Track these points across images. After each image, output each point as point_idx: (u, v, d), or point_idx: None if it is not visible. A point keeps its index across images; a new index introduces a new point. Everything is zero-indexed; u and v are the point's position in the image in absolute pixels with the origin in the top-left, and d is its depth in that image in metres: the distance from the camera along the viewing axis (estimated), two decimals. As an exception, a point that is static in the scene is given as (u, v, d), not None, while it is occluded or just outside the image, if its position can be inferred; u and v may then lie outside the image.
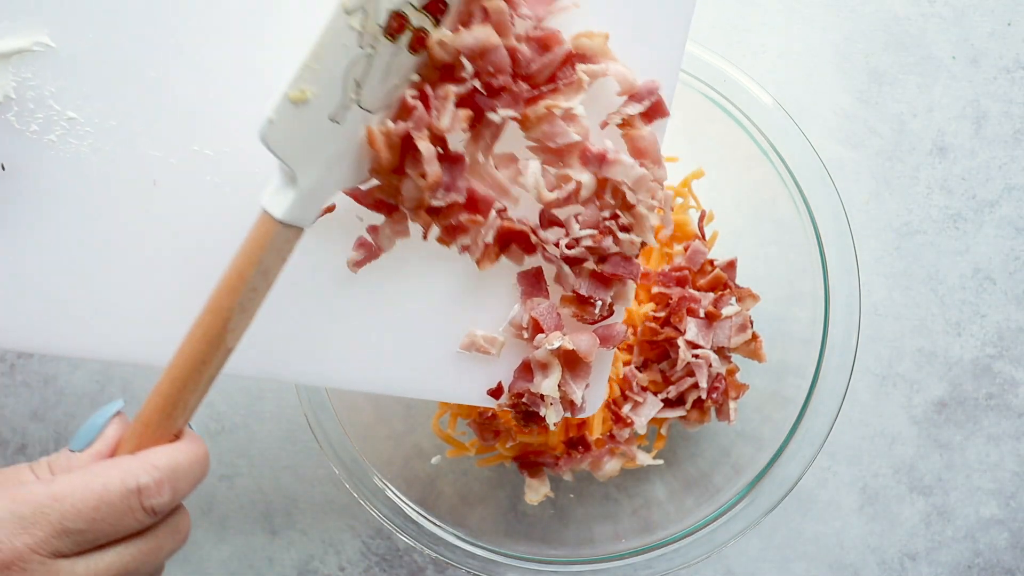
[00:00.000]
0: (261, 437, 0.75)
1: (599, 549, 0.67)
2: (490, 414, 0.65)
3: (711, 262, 0.67)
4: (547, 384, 0.55)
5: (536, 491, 0.67)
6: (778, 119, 0.65)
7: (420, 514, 0.66)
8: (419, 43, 0.49)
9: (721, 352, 0.67)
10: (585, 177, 0.52)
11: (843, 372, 0.65)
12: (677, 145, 0.69)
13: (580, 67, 0.52)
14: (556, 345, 0.54)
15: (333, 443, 0.66)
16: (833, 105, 0.75)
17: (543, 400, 0.56)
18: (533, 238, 0.54)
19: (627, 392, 0.65)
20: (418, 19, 0.49)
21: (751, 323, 0.67)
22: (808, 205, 0.65)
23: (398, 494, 0.66)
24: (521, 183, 0.53)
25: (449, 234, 0.53)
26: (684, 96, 0.66)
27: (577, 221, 0.53)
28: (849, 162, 0.74)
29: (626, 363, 0.66)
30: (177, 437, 0.50)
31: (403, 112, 0.50)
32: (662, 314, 0.66)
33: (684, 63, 0.65)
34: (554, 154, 0.52)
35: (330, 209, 0.53)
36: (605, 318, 0.55)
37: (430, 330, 0.56)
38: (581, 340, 0.55)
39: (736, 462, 0.68)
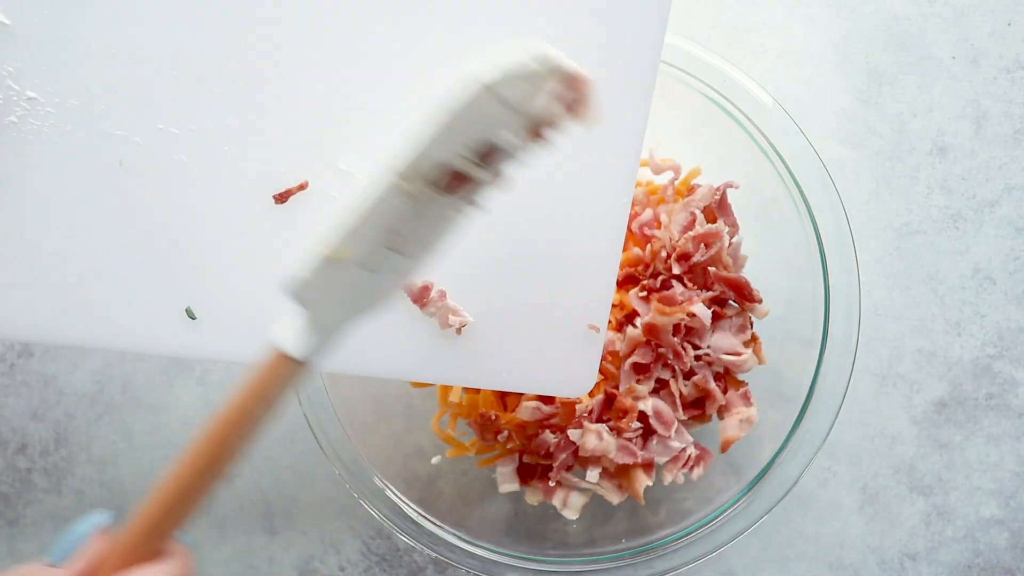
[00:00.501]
0: (261, 437, 0.75)
1: (599, 549, 0.67)
2: (492, 415, 0.65)
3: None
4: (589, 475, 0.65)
5: (536, 492, 0.67)
6: (778, 119, 0.65)
7: (420, 514, 0.66)
8: (464, 185, 0.48)
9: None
10: None
11: (843, 372, 0.65)
12: (677, 145, 0.69)
13: None
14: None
15: (333, 443, 0.66)
16: (833, 105, 0.75)
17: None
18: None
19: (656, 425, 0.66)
20: (476, 172, 0.47)
21: (751, 324, 0.67)
22: (808, 205, 0.65)
23: (398, 494, 0.66)
24: None
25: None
26: (684, 96, 0.66)
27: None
28: (849, 162, 0.74)
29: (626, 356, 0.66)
30: (160, 554, 0.47)
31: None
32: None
33: (684, 63, 0.65)
34: None
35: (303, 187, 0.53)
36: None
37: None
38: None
39: (736, 462, 0.68)
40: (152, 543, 0.47)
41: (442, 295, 0.55)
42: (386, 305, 0.50)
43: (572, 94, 0.47)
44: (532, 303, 0.56)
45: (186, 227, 0.52)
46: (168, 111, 0.52)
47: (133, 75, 0.51)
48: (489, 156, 0.47)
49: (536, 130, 0.47)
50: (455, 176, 0.47)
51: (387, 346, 0.56)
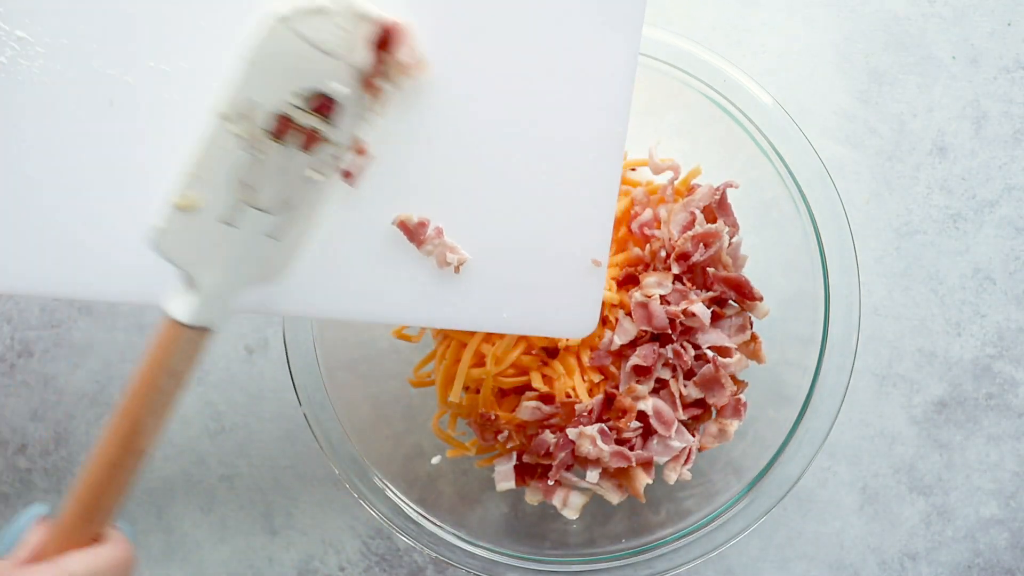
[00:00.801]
0: (261, 437, 0.75)
1: (599, 549, 0.67)
2: (492, 415, 0.65)
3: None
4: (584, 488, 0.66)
5: (536, 492, 0.67)
6: (778, 119, 0.65)
7: (420, 514, 0.66)
8: (311, 141, 0.48)
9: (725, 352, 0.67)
10: None
11: (843, 372, 0.65)
12: (677, 145, 0.69)
13: None
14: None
15: (333, 443, 0.66)
16: (833, 105, 0.75)
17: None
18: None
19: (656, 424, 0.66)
20: (307, 120, 0.48)
21: (751, 324, 0.67)
22: (808, 205, 0.65)
23: (398, 494, 0.66)
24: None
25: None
26: (684, 96, 0.66)
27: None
28: (849, 162, 0.74)
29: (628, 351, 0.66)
30: (98, 540, 0.49)
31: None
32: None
33: (684, 63, 0.65)
34: None
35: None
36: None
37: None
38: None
39: (736, 462, 0.68)
40: (88, 528, 0.48)
41: (439, 232, 0.55)
42: (278, 272, 0.50)
43: (380, 36, 0.47)
44: (531, 240, 0.55)
45: (177, 168, 0.50)
46: (159, 49, 0.50)
47: (124, 13, 0.50)
48: (323, 107, 0.47)
49: (367, 81, 0.47)
50: (287, 123, 0.47)
51: (383, 288, 0.55)
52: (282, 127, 0.48)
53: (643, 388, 0.65)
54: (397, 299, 0.55)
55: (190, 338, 0.48)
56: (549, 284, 0.56)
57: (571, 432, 0.64)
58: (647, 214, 0.67)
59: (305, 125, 0.48)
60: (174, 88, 0.51)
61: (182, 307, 0.48)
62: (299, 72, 0.47)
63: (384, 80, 0.47)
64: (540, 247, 0.56)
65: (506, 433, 0.65)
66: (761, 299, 0.66)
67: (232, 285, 0.49)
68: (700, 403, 0.67)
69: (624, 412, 0.65)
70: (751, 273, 0.67)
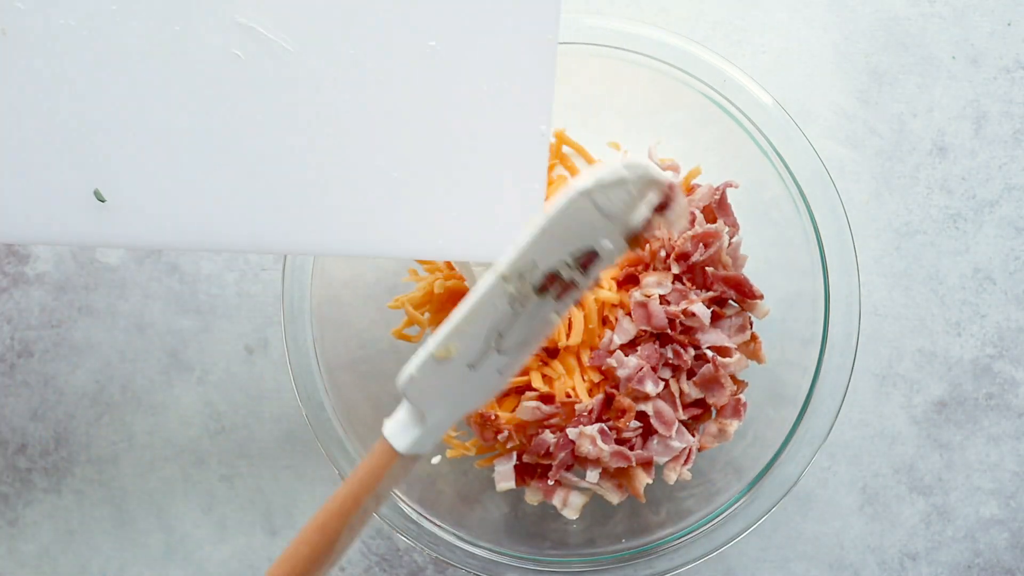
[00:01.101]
0: (261, 437, 0.75)
1: (599, 549, 0.67)
2: (492, 415, 0.65)
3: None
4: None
5: (536, 492, 0.67)
6: (778, 119, 0.65)
7: (420, 514, 0.66)
8: (565, 290, 0.52)
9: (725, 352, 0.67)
10: None
11: (843, 372, 0.65)
12: (677, 145, 0.69)
13: None
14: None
15: (333, 443, 0.66)
16: (833, 105, 0.75)
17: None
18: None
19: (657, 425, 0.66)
20: (571, 274, 0.51)
21: (751, 324, 0.67)
22: (808, 205, 0.65)
23: (398, 494, 0.66)
24: None
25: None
26: (684, 96, 0.66)
27: None
28: (849, 162, 0.74)
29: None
30: None
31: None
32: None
33: (684, 63, 0.65)
34: None
35: None
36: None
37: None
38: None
39: (736, 462, 0.68)
40: None
41: None
42: (486, 403, 0.54)
43: (661, 199, 0.50)
44: (468, 169, 0.55)
45: (83, 101, 0.48)
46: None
47: None
48: (588, 262, 0.51)
49: (633, 237, 0.51)
50: (553, 279, 0.51)
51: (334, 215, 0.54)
52: (548, 282, 0.51)
53: (650, 385, 0.64)
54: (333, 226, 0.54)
55: (404, 464, 0.52)
56: (487, 209, 0.55)
57: (571, 432, 0.64)
58: None
59: (567, 279, 0.51)
60: (67, 11, 0.48)
61: (405, 439, 0.52)
62: (580, 235, 0.51)
63: (646, 234, 0.51)
64: (472, 172, 0.55)
65: (506, 433, 0.65)
66: (761, 297, 0.66)
67: (455, 419, 0.52)
68: (700, 403, 0.67)
69: (624, 412, 0.65)
70: (751, 273, 0.67)
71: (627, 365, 0.64)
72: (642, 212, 0.50)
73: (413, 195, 0.54)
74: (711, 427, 0.67)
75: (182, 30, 0.50)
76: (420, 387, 0.51)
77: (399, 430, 0.52)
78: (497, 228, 0.55)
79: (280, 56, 0.51)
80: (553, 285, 0.51)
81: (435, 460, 0.70)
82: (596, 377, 0.66)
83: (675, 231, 0.55)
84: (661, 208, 0.50)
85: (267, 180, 0.52)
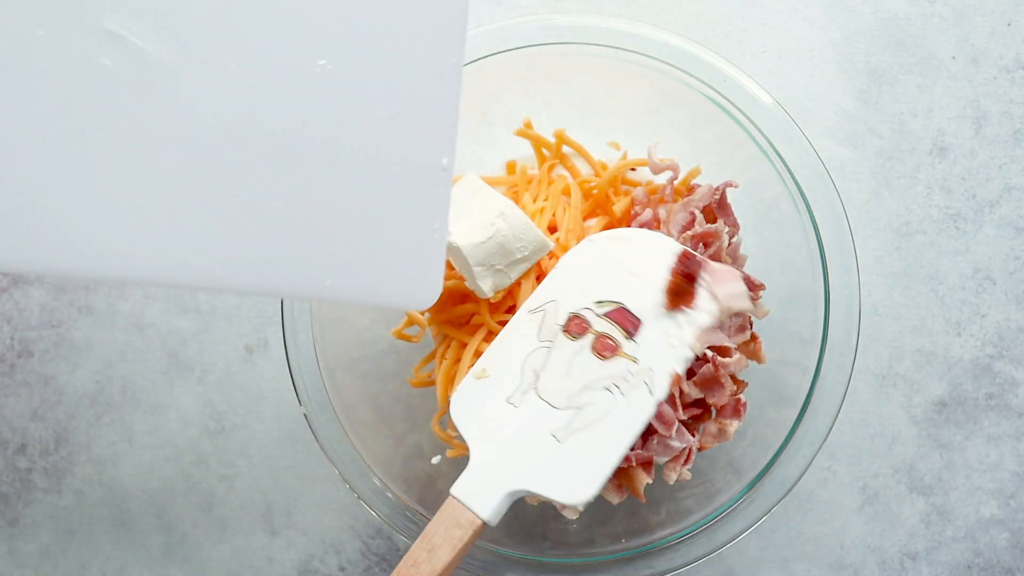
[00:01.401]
0: (261, 437, 0.75)
1: (599, 549, 0.67)
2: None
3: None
4: None
5: (536, 491, 0.67)
6: (778, 119, 0.65)
7: (420, 514, 0.66)
8: (603, 347, 0.56)
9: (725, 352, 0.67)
10: None
11: (843, 372, 0.65)
12: (677, 145, 0.69)
13: None
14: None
15: (333, 443, 0.66)
16: (833, 105, 0.75)
17: None
18: None
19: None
20: (599, 324, 0.56)
21: (751, 323, 0.67)
22: (808, 205, 0.65)
23: (398, 494, 0.66)
24: None
25: None
26: (684, 96, 0.66)
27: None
28: (849, 162, 0.74)
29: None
30: None
31: None
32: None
33: (684, 63, 0.65)
34: None
35: None
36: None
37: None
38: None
39: (736, 462, 0.68)
40: None
41: None
42: (576, 493, 0.59)
43: (683, 267, 0.59)
44: (360, 202, 0.50)
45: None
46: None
47: None
48: (624, 320, 0.57)
49: (671, 302, 0.57)
50: (580, 321, 0.56)
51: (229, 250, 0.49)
52: (576, 326, 0.58)
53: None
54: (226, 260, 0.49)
55: (478, 531, 0.57)
56: (380, 248, 0.51)
57: None
58: (647, 214, 0.67)
59: (596, 328, 0.56)
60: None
61: (492, 511, 0.57)
62: (601, 284, 0.58)
63: (691, 309, 0.57)
64: (370, 210, 0.50)
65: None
66: (763, 286, 0.66)
67: (504, 470, 0.57)
68: (700, 403, 0.67)
69: None
70: (751, 273, 0.67)
71: None
72: (663, 274, 0.57)
73: (296, 229, 0.49)
74: (711, 427, 0.67)
75: (47, 35, 0.46)
76: (464, 411, 0.57)
77: (487, 505, 0.57)
78: (393, 269, 0.51)
79: (152, 67, 0.47)
80: (585, 334, 0.56)
81: (435, 460, 0.70)
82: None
83: (750, 312, 0.63)
84: (687, 276, 0.57)
85: (132, 204, 0.48)
